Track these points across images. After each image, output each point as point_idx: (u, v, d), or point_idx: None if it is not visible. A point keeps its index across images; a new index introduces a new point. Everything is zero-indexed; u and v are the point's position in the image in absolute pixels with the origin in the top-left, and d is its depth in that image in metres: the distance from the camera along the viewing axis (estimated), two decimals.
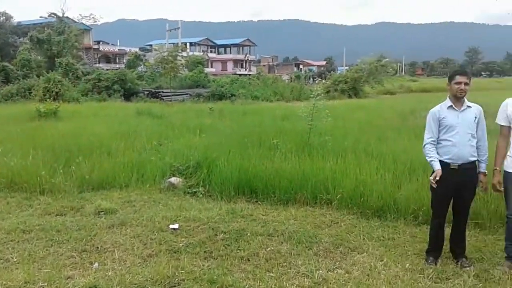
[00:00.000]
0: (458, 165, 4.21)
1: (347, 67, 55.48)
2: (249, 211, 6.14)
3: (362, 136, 10.06)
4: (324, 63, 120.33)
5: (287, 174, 6.80)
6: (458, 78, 4.24)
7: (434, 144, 4.34)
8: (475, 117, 4.25)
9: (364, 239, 5.09)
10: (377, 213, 5.79)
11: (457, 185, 4.25)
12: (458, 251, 4.46)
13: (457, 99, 4.27)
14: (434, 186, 4.18)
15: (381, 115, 16.12)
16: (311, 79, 58.60)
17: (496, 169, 4.22)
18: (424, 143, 4.40)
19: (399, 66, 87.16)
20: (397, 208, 5.73)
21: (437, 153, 4.31)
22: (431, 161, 4.28)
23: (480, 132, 4.30)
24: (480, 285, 3.91)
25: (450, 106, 4.30)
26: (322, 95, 9.78)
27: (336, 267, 4.36)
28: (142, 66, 50.74)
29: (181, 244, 4.91)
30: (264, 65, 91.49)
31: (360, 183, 6.26)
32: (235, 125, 13.05)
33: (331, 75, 42.45)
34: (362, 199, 5.99)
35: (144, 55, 59.24)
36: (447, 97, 4.38)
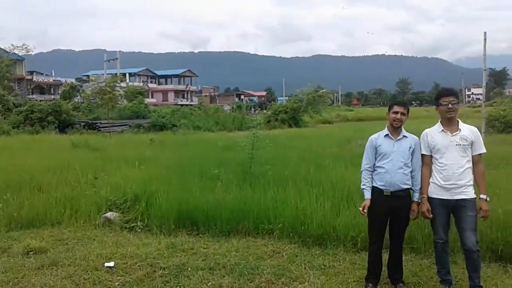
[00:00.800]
0: (391, 192, 4.35)
1: (286, 97, 56.85)
2: (189, 244, 5.98)
3: (302, 164, 10.22)
4: (264, 93, 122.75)
5: (228, 205, 6.73)
6: (395, 108, 4.44)
7: (370, 171, 4.48)
8: (410, 147, 4.42)
9: (305, 268, 5.08)
10: (317, 241, 5.83)
11: (391, 211, 4.38)
12: (396, 277, 4.55)
13: (394, 129, 4.45)
14: (363, 214, 4.38)
15: (320, 144, 16.50)
16: (252, 109, 59.38)
17: (424, 197, 4.39)
18: (361, 169, 4.55)
19: (336, 96, 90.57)
20: (337, 235, 5.79)
21: (373, 179, 4.46)
22: (363, 189, 4.47)
23: (414, 162, 4.46)
24: None
25: (387, 135, 4.48)
26: (263, 125, 9.90)
27: None
28: (78, 97, 49.19)
29: (116, 283, 4.67)
30: (205, 96, 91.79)
31: (301, 212, 6.30)
32: (176, 156, 12.85)
33: (272, 105, 43.28)
34: (303, 227, 6.02)
35: (81, 86, 57.50)
36: (386, 126, 4.56)
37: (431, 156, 4.39)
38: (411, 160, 4.44)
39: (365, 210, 4.38)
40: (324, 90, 42.65)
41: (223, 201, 6.88)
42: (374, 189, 4.44)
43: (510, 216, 5.14)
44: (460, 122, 4.37)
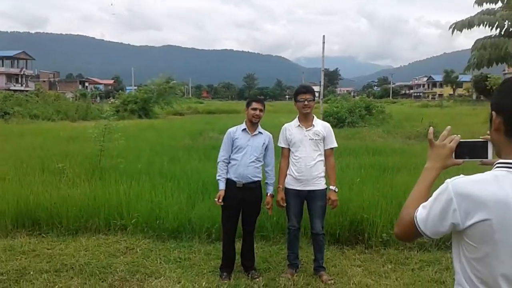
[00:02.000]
0: (243, 184, 4.56)
1: (136, 87, 54.97)
2: (31, 245, 5.44)
3: (155, 157, 10.05)
4: (112, 82, 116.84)
5: (76, 201, 6.29)
6: (254, 105, 4.62)
7: (226, 163, 4.62)
8: (264, 143, 4.66)
9: (161, 262, 5.03)
10: (173, 235, 5.80)
11: (243, 202, 4.59)
12: (248, 264, 4.78)
13: (252, 124, 4.64)
14: (218, 204, 4.51)
15: (172, 136, 16.40)
16: (98, 98, 56.09)
17: (279, 187, 4.69)
18: (217, 160, 4.66)
19: (186, 89, 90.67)
20: (192, 227, 5.83)
21: (228, 171, 4.60)
22: (219, 179, 4.58)
23: (268, 158, 4.72)
24: None
25: (244, 129, 4.64)
26: (112, 115, 9.45)
27: None
28: None
29: None
30: (44, 81, 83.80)
31: (156, 206, 6.20)
32: (11, 148, 11.51)
33: (120, 94, 41.38)
34: (158, 221, 5.92)
35: None
36: (244, 121, 4.71)
37: (289, 149, 4.69)
38: (265, 155, 4.69)
39: (220, 200, 4.50)
40: (175, 82, 42.25)
41: (70, 197, 6.43)
42: (228, 181, 4.59)
43: (345, 203, 5.77)
44: (315, 118, 4.72)
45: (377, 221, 5.52)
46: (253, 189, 4.63)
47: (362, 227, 5.58)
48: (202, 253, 5.32)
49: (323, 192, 4.59)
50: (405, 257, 5.15)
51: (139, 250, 5.40)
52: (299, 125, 4.63)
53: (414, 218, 1.49)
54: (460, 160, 1.62)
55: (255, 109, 4.61)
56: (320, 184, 4.58)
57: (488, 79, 52.67)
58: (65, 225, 5.98)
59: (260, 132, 4.70)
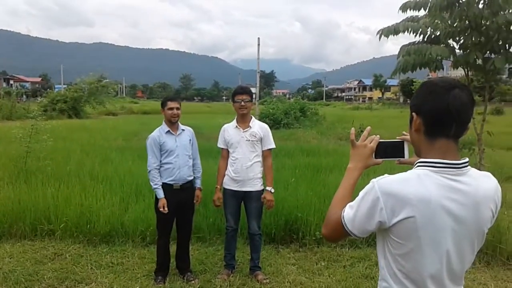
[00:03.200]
0: (180, 185, 4.51)
1: (65, 86, 52.50)
2: None
3: (86, 158, 9.66)
4: (39, 79, 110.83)
5: None
6: (170, 104, 4.53)
7: (158, 169, 4.51)
8: (190, 140, 4.64)
9: (92, 268, 4.84)
10: (105, 239, 5.60)
11: (179, 203, 4.53)
12: (183, 266, 4.73)
13: (172, 124, 4.56)
14: (165, 212, 4.39)
15: (105, 137, 15.84)
16: (24, 96, 52.99)
17: (217, 187, 4.67)
18: (149, 168, 4.50)
19: (120, 88, 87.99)
20: (125, 231, 5.67)
21: (160, 175, 4.50)
22: (156, 188, 4.46)
23: (194, 152, 4.71)
24: None
25: (168, 131, 4.55)
26: (40, 115, 8.97)
27: None
28: None
29: None
30: None
31: (86, 209, 5.94)
32: None
33: (48, 93, 39.30)
34: (88, 226, 5.70)
35: None
36: (163, 122, 4.62)
37: (228, 150, 4.68)
38: (191, 151, 4.67)
39: (165, 208, 4.39)
40: (107, 80, 40.84)
41: None
42: (163, 185, 4.49)
43: (280, 202, 5.85)
44: (253, 119, 4.72)
45: (310, 219, 5.66)
46: (189, 189, 4.60)
47: (297, 226, 5.70)
48: (136, 257, 5.19)
49: (260, 193, 4.61)
50: (337, 254, 5.33)
51: (68, 256, 5.17)
52: (236, 126, 4.62)
53: (342, 218, 1.52)
54: (380, 160, 1.69)
55: (171, 108, 4.52)
56: (257, 185, 4.60)
57: (413, 83, 55.85)
58: None
59: (183, 130, 4.65)
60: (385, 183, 1.44)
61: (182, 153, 4.53)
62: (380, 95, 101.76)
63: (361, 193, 1.50)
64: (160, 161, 4.51)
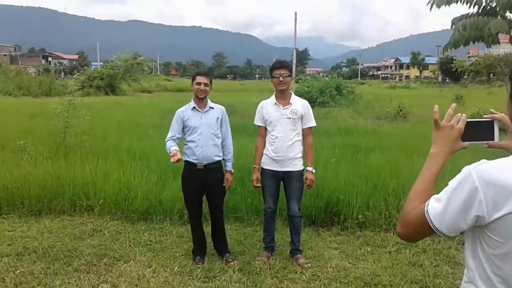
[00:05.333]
0: (204, 165, 4.31)
1: (101, 63, 53.32)
2: None
3: (123, 135, 9.67)
4: (76, 57, 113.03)
5: (38, 181, 5.96)
6: (198, 79, 4.33)
7: (175, 140, 4.32)
8: (218, 118, 4.40)
9: (130, 245, 4.80)
10: (143, 216, 5.56)
11: (205, 184, 4.36)
12: (221, 247, 4.59)
13: (200, 100, 4.35)
14: (173, 160, 4.07)
15: (141, 113, 15.95)
16: (63, 73, 54.18)
17: (255, 167, 4.48)
18: (166, 139, 4.35)
19: (154, 65, 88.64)
20: (163, 208, 5.62)
21: (185, 154, 4.34)
22: (170, 148, 4.20)
23: (224, 132, 4.47)
24: (244, 278, 4.07)
25: (194, 108, 4.36)
26: (77, 90, 9.02)
27: (101, 282, 3.96)
28: None
29: None
30: (4, 55, 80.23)
31: (124, 186, 5.92)
32: None
33: (85, 70, 39.96)
34: (126, 202, 5.67)
35: None
36: (192, 98, 4.44)
37: (266, 128, 4.47)
38: (220, 130, 4.44)
39: (177, 157, 4.06)
40: (142, 58, 41.17)
41: (32, 176, 6.08)
42: (187, 164, 4.34)
43: (320, 183, 5.63)
44: (293, 95, 4.48)
45: (352, 202, 5.42)
46: (215, 170, 4.39)
47: (338, 208, 5.47)
48: (174, 236, 5.11)
49: (300, 174, 4.40)
50: (382, 239, 5.07)
51: (107, 233, 5.15)
52: (276, 103, 4.39)
53: (426, 214, 1.27)
54: (467, 143, 1.44)
55: (199, 83, 4.31)
56: (297, 165, 4.39)
57: (453, 61, 53.75)
58: (27, 206, 5.68)
59: (211, 107, 4.43)
60: (485, 170, 1.19)
61: (207, 131, 4.31)
62: (418, 74, 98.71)
63: (451, 183, 1.25)
64: (185, 139, 4.36)
